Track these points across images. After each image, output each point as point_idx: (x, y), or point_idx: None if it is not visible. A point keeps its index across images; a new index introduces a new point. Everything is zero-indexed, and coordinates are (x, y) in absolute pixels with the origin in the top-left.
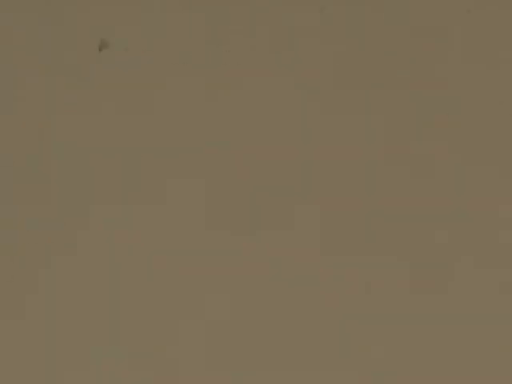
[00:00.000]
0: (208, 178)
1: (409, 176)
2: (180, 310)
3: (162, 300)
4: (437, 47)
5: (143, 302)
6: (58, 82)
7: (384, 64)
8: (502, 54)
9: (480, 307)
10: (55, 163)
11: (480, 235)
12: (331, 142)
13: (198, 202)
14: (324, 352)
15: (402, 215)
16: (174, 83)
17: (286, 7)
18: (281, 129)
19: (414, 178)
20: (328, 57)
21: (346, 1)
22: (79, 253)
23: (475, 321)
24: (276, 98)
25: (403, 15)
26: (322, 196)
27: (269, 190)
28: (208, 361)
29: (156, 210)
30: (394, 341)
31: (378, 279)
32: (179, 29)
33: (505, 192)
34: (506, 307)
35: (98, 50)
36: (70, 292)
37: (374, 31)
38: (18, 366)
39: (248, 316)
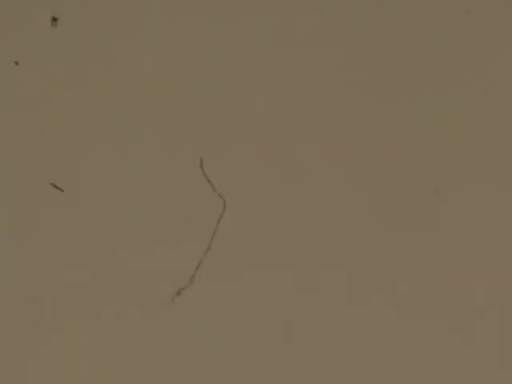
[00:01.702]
0: (208, 178)
1: (409, 176)
2: (178, 311)
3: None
4: (437, 47)
5: (143, 296)
6: (58, 82)
7: (384, 64)
8: (502, 54)
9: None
10: (55, 163)
11: (482, 239)
12: (331, 142)
13: (199, 201)
14: (324, 351)
15: (402, 214)
16: (174, 83)
17: (286, 7)
18: (281, 129)
19: (415, 178)
20: (328, 57)
21: (346, 1)
22: (79, 253)
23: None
24: (276, 97)
25: (403, 15)
26: (321, 196)
27: (269, 190)
28: (208, 364)
29: (156, 210)
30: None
31: (379, 274)
32: (179, 29)
33: (505, 195)
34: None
35: (87, 66)
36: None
37: (374, 31)
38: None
39: (249, 318)
